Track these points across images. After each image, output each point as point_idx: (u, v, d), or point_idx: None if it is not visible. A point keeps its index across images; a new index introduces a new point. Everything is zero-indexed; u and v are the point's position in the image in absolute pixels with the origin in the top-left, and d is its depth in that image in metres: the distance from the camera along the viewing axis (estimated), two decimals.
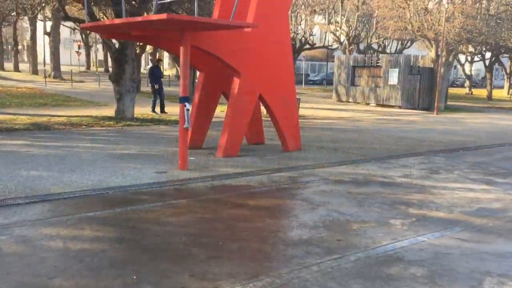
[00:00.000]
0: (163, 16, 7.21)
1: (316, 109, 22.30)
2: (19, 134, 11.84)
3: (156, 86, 17.44)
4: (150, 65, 52.53)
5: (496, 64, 41.76)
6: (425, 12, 25.51)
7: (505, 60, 43.71)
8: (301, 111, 17.39)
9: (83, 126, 13.28)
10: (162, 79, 18.13)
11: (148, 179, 7.68)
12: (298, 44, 38.94)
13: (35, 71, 40.17)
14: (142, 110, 17.22)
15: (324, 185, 7.85)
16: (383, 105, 25.51)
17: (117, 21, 8.35)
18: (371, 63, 26.63)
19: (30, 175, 7.64)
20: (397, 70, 25.01)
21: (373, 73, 26.54)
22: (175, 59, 28.03)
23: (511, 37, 27.52)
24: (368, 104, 26.42)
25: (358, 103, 26.91)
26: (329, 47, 44.63)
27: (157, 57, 18.77)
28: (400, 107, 24.78)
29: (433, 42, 25.82)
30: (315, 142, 12.14)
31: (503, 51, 34.85)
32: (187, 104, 8.23)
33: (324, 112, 20.95)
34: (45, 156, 9.12)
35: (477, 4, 25.94)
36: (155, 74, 17.89)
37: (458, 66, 47.88)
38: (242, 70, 9.49)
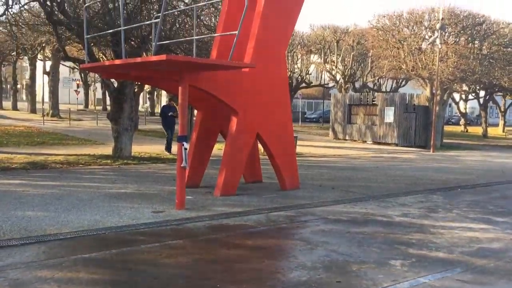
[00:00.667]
0: (162, 57, 7.32)
1: (313, 147, 22.37)
2: (16, 173, 11.79)
3: (166, 134, 17.16)
4: (148, 103, 53.11)
5: (490, 102, 42.28)
6: (419, 52, 26.00)
7: (499, 98, 44.29)
8: (299, 149, 17.43)
9: (80, 165, 13.26)
10: (174, 117, 16.90)
11: (145, 219, 7.61)
12: (294, 83, 39.47)
13: (33, 110, 40.36)
14: (140, 148, 17.24)
15: (323, 224, 7.79)
16: (379, 143, 25.63)
17: (117, 62, 8.48)
18: (367, 101, 26.93)
19: (26, 215, 7.56)
20: (393, 108, 25.27)
21: (369, 111, 26.80)
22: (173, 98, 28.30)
23: (504, 76, 27.95)
24: (365, 141, 26.55)
25: (355, 140, 27.03)
26: (325, 86, 45.22)
27: (168, 99, 18.39)
28: (396, 145, 24.90)
29: (427, 81, 26.21)
30: (313, 181, 12.12)
31: (496, 89, 35.33)
32: (185, 143, 8.26)
33: (321, 150, 21.01)
34: (41, 196, 9.06)
35: (470, 44, 26.47)
36: (165, 114, 17.18)
37: (453, 104, 48.42)
38: (239, 109, 9.57)
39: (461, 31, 25.95)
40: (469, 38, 26.41)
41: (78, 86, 46.75)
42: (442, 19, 23.23)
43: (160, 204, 8.65)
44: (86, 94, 55.43)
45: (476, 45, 26.84)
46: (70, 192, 9.52)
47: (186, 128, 8.38)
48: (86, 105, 54.89)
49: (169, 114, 16.98)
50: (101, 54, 17.30)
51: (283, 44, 10.72)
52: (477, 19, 26.36)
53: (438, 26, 22.98)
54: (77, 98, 46.26)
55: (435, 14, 25.31)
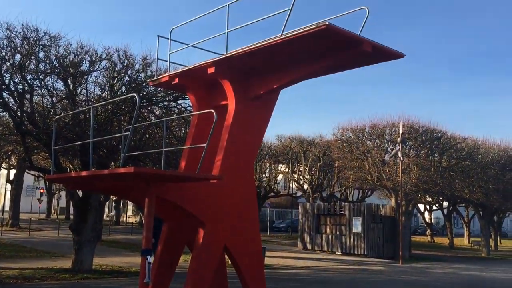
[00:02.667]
0: (130, 169, 7.29)
1: (282, 257, 21.91)
2: None
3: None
4: (114, 212, 51.87)
5: (454, 213, 43.15)
6: (382, 163, 26.89)
7: (462, 209, 45.31)
8: (267, 260, 17.02)
9: (36, 280, 12.49)
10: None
11: None
12: (263, 192, 39.68)
13: None
14: (102, 260, 16.51)
15: None
16: (348, 254, 25.37)
17: (84, 173, 8.40)
18: (335, 211, 27.11)
19: None
20: (360, 218, 25.44)
21: (337, 221, 26.87)
22: (139, 207, 27.84)
23: (464, 188, 28.89)
24: (333, 252, 26.24)
25: (324, 251, 26.70)
26: (294, 195, 45.57)
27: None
28: (365, 256, 24.67)
29: (392, 191, 26.82)
30: None
31: (459, 200, 36.29)
32: (149, 257, 7.95)
33: (291, 261, 20.57)
34: None
35: (430, 157, 27.64)
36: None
37: (418, 214, 49.18)
38: (207, 221, 9.41)
39: (421, 145, 27.23)
40: (429, 152, 27.66)
41: (41, 194, 45.72)
42: (403, 133, 24.43)
43: None
44: (50, 203, 53.95)
45: (436, 158, 28.04)
46: None
47: (151, 241, 8.12)
48: (49, 214, 53.17)
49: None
50: (68, 163, 17.19)
51: (251, 156, 10.90)
52: (435, 134, 27.84)
53: (399, 140, 24.09)
54: (40, 207, 44.96)
55: (395, 128, 26.65)
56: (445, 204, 42.28)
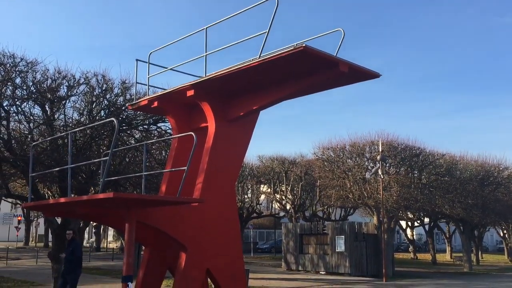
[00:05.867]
0: (110, 194, 7.21)
1: (266, 279, 21.70)
2: None
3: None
4: (94, 238, 50.90)
5: (436, 228, 43.50)
6: (363, 181, 27.07)
7: (443, 224, 45.71)
8: (251, 282, 16.86)
9: None
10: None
11: None
12: (245, 213, 39.50)
13: None
14: None
15: None
16: (332, 273, 25.27)
17: (62, 200, 8.27)
18: (318, 230, 27.07)
19: None
20: (343, 237, 25.44)
21: (320, 240, 26.82)
22: (119, 232, 27.42)
23: (445, 204, 29.18)
24: (318, 272, 26.12)
25: (308, 271, 26.55)
26: (276, 215, 45.43)
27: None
28: (349, 275, 24.61)
29: (374, 209, 26.96)
30: None
31: (440, 216, 36.63)
32: (130, 284, 7.82)
33: (274, 282, 20.39)
34: None
35: (410, 174, 27.93)
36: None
37: (401, 231, 49.45)
38: (189, 244, 9.32)
39: (401, 162, 27.53)
40: (409, 169, 27.97)
41: (19, 222, 44.74)
42: (382, 151, 24.69)
43: None
44: (28, 230, 52.71)
45: (415, 175, 28.35)
46: None
47: (132, 267, 7.99)
48: (27, 242, 51.91)
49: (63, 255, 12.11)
50: (46, 190, 16.90)
51: (233, 178, 10.88)
52: (413, 151, 28.19)
53: (378, 157, 24.32)
54: (17, 236, 43.92)
55: (375, 146, 26.92)
56: (427, 220, 42.62)
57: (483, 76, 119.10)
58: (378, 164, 24.29)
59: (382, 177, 24.31)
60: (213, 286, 10.67)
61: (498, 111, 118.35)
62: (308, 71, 8.41)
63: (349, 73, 8.26)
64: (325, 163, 29.53)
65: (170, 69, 10.24)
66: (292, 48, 7.66)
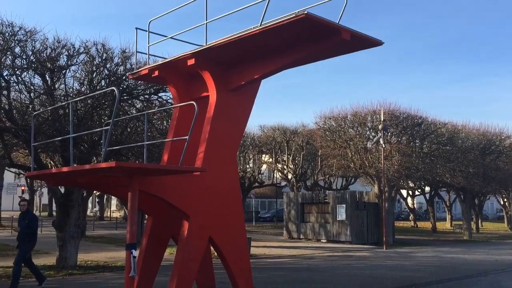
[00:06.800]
0: (112, 163, 7.23)
1: (267, 247, 22.02)
2: None
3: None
4: (97, 207, 51.42)
5: (436, 197, 43.81)
6: (365, 151, 27.11)
7: (444, 193, 46.02)
8: (253, 250, 17.12)
9: (20, 278, 12.35)
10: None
11: None
12: (247, 183, 39.74)
13: None
14: (87, 256, 16.41)
15: None
16: (333, 241, 25.61)
17: (65, 169, 8.30)
18: (319, 199, 27.29)
19: None
20: (344, 206, 25.67)
21: (322, 209, 27.07)
22: (123, 201, 27.66)
23: (446, 173, 29.28)
24: (319, 240, 26.47)
25: (309, 239, 26.91)
26: (278, 185, 45.74)
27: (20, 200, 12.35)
28: (350, 243, 24.94)
29: (375, 178, 27.09)
30: (268, 284, 11.77)
31: (440, 185, 36.82)
32: (133, 251, 7.92)
33: (276, 250, 20.69)
34: None
35: (412, 143, 27.95)
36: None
37: (401, 200, 49.83)
38: (191, 213, 9.41)
39: (402, 131, 27.50)
40: (410, 138, 27.96)
41: (23, 192, 45.12)
42: (384, 120, 24.63)
43: None
44: (32, 200, 53.34)
45: (417, 144, 28.37)
46: None
47: (136, 235, 8.09)
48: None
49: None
50: (49, 160, 16.97)
51: (234, 147, 10.90)
52: (415, 120, 28.12)
53: (380, 127, 24.28)
54: None
55: (377, 116, 26.85)
56: (427, 189, 42.87)
57: (485, 46, 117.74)
58: (380, 134, 24.28)
59: (383, 146, 24.33)
60: (215, 253, 10.84)
61: (500, 80, 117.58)
62: (310, 39, 8.30)
63: (351, 41, 8.16)
64: (327, 132, 29.52)
65: (171, 37, 10.11)
66: (294, 15, 7.54)
